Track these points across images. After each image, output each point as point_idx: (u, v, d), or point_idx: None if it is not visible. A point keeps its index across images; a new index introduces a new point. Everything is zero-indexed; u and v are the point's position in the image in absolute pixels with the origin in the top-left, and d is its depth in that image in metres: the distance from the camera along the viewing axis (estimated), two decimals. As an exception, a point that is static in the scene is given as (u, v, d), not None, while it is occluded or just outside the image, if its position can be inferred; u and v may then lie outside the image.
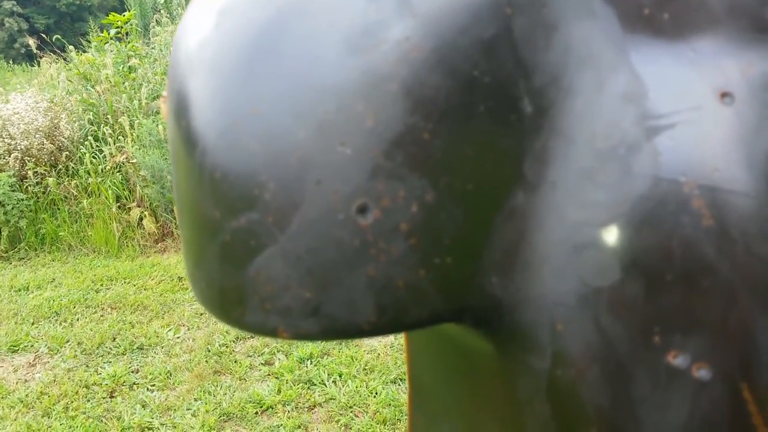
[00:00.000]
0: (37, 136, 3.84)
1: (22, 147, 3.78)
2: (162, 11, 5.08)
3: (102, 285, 3.16)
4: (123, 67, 4.38)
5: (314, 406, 2.08)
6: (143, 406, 2.11)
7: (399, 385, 2.13)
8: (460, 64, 0.18)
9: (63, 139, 3.94)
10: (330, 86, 0.18)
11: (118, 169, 3.83)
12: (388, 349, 2.35)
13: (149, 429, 2.01)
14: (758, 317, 0.18)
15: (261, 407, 2.08)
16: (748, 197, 0.18)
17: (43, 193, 3.84)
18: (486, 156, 0.18)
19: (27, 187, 3.80)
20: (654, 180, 0.18)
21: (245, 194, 0.18)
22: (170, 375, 2.31)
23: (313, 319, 0.19)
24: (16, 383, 2.30)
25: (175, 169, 0.21)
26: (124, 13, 4.70)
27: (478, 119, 0.18)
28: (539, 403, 0.20)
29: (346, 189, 0.18)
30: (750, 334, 0.18)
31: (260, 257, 0.18)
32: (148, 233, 3.64)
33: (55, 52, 5.21)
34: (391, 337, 2.46)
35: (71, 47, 4.89)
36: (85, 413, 2.09)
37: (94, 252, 3.66)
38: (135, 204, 3.74)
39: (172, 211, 3.62)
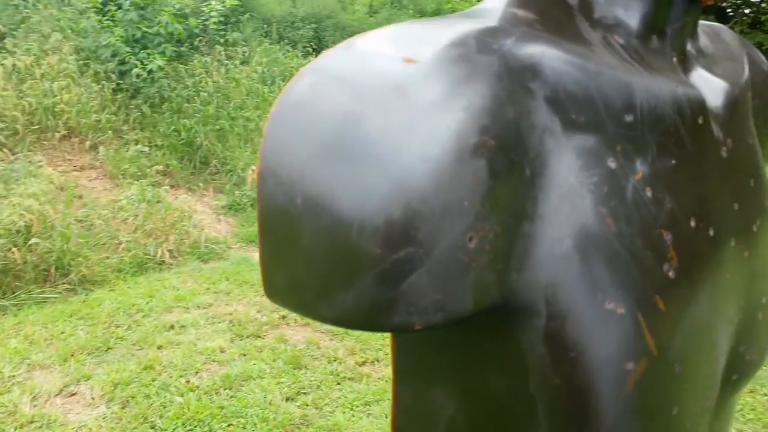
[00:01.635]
0: None
1: None
2: None
3: None
4: None
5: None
6: None
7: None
8: (509, 151, 0.31)
9: None
10: (449, 175, 0.28)
11: None
12: (101, 421, 2.15)
13: None
14: (641, 281, 0.35)
15: None
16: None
17: None
18: (514, 202, 0.31)
19: None
20: (588, 211, 0.33)
21: (406, 236, 0.27)
22: None
23: (441, 313, 0.29)
24: None
25: (306, 233, 0.29)
26: None
27: (512, 181, 0.31)
28: (539, 346, 0.33)
29: (464, 227, 0.29)
30: (638, 290, 0.34)
31: (413, 276, 0.28)
32: None
33: None
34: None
35: None
36: None
37: None
38: None
39: None
